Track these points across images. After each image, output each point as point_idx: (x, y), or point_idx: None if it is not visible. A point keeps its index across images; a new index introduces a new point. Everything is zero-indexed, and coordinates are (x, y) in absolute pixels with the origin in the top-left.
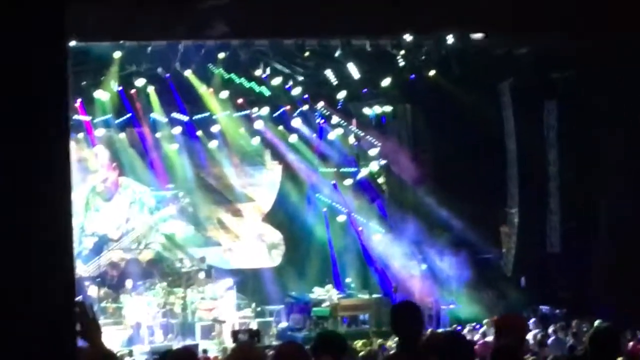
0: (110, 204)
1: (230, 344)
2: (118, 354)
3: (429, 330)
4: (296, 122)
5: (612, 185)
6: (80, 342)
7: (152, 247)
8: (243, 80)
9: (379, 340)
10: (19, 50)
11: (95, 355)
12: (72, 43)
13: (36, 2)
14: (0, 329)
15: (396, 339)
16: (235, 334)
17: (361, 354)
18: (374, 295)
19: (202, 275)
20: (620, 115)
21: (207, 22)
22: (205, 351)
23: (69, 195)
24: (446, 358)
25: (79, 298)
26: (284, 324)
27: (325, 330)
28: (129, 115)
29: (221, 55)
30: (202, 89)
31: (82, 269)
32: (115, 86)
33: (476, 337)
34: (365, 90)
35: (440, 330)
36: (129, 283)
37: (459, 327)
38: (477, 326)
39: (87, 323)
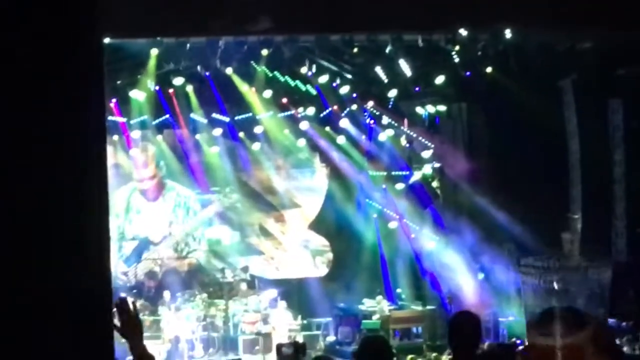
0: (154, 205)
1: (274, 358)
2: None
3: (486, 343)
4: (344, 123)
5: None
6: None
7: (192, 255)
8: (287, 79)
9: (434, 355)
10: (51, 48)
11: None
12: (106, 40)
13: None
14: (30, 326)
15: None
16: (279, 348)
17: None
18: (428, 307)
19: (244, 285)
20: None
21: (249, 17)
22: None
23: (106, 196)
24: None
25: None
26: (331, 338)
27: (369, 335)
28: (166, 116)
29: (264, 52)
30: (244, 88)
31: (120, 277)
32: (152, 85)
33: None
34: (418, 88)
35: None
36: (167, 294)
37: (519, 341)
38: None
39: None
